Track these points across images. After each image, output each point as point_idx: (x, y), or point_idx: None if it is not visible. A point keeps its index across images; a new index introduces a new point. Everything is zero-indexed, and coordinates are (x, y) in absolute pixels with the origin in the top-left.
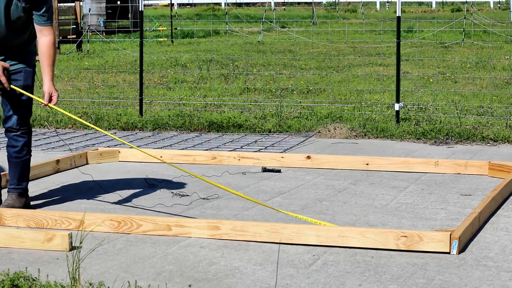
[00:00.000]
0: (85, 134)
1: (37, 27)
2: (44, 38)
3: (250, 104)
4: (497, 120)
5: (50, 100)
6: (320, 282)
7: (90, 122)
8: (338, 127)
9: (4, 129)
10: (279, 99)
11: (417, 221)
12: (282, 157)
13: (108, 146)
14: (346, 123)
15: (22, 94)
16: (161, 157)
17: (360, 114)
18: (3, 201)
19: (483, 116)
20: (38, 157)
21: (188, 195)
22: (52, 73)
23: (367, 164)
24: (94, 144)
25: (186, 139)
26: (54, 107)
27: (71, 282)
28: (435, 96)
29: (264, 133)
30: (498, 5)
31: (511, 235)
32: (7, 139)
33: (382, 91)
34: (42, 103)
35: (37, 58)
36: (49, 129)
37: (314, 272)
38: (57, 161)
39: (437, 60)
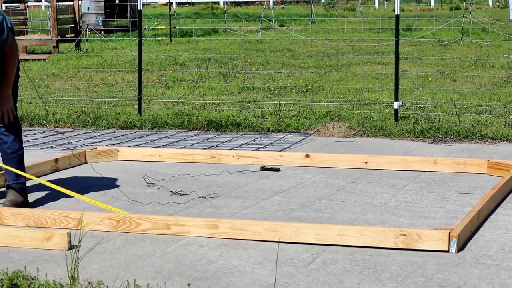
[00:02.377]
0: (84, 133)
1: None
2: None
3: (249, 103)
4: (495, 118)
5: None
6: (319, 281)
7: (88, 121)
8: (336, 126)
9: None
10: (277, 97)
11: (416, 220)
12: (281, 156)
13: (107, 145)
14: (345, 121)
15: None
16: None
17: (359, 113)
18: (5, 198)
19: (481, 115)
20: (36, 156)
21: (186, 194)
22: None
23: (366, 162)
24: (93, 143)
25: (185, 138)
26: None
27: (70, 281)
28: (433, 95)
29: (263, 131)
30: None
31: (510, 234)
32: None
33: (381, 90)
34: None
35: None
36: (47, 128)
37: (313, 271)
38: (56, 160)
39: (436, 58)
